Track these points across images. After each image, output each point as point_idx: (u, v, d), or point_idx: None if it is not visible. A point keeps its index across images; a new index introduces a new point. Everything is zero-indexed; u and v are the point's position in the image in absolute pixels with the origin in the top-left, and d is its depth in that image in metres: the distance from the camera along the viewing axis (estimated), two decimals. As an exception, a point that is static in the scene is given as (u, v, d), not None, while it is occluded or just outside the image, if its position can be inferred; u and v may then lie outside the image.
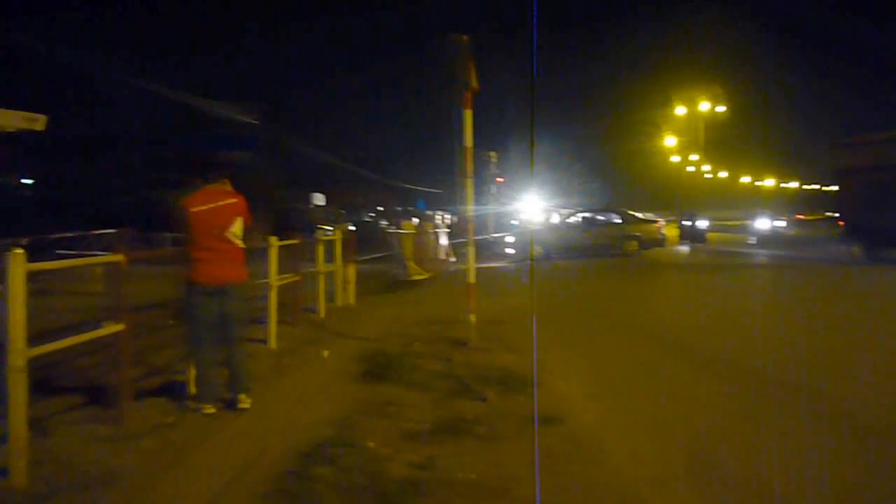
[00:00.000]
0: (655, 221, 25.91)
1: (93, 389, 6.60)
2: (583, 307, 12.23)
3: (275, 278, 8.13)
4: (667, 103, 44.50)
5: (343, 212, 43.59)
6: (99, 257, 4.81)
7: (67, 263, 4.43)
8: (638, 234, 23.58)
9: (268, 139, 43.03)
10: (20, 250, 3.85)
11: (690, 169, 50.67)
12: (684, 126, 44.53)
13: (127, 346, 5.09)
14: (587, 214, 25.51)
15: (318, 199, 44.89)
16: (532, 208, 43.71)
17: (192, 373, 5.85)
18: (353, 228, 38.39)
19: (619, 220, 24.42)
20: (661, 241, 24.24)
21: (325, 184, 48.18)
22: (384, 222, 49.44)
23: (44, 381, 4.02)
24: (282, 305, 8.50)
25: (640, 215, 26.93)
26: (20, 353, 3.83)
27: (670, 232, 29.17)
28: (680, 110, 42.29)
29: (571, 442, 5.02)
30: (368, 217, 54.42)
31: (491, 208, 41.73)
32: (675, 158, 50.11)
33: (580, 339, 9.04)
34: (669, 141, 48.89)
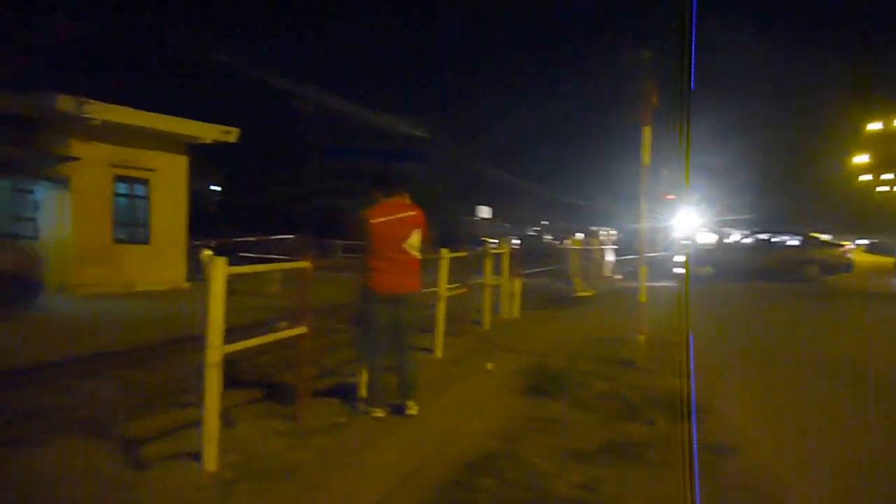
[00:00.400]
0: (841, 245, 24.00)
1: (270, 386, 7.04)
2: (758, 333, 11.55)
3: (444, 289, 8.30)
4: (859, 117, 41.17)
5: (508, 225, 43.83)
6: (288, 263, 5.11)
7: (261, 268, 4.75)
8: (820, 258, 21.99)
9: (437, 153, 44.22)
10: (209, 252, 4.17)
11: (883, 189, 46.59)
12: (879, 142, 40.98)
13: (307, 348, 5.36)
14: (763, 235, 24.12)
15: (484, 212, 45.42)
16: (701, 227, 42.03)
17: (364, 377, 6.07)
18: (517, 242, 38.65)
19: (799, 243, 22.90)
20: (847, 267, 22.40)
21: (490, 197, 48.74)
22: (548, 237, 49.24)
23: (226, 375, 4.32)
24: (449, 316, 8.65)
25: (822, 237, 25.10)
26: (217, 349, 4.14)
27: (859, 257, 26.87)
28: (874, 125, 38.98)
29: (746, 475, 4.77)
30: (533, 231, 54.39)
31: (660, 226, 40.81)
32: (866, 177, 46.23)
33: (755, 367, 8.54)
34: (859, 158, 45.15)
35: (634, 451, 5.10)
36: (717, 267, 22.59)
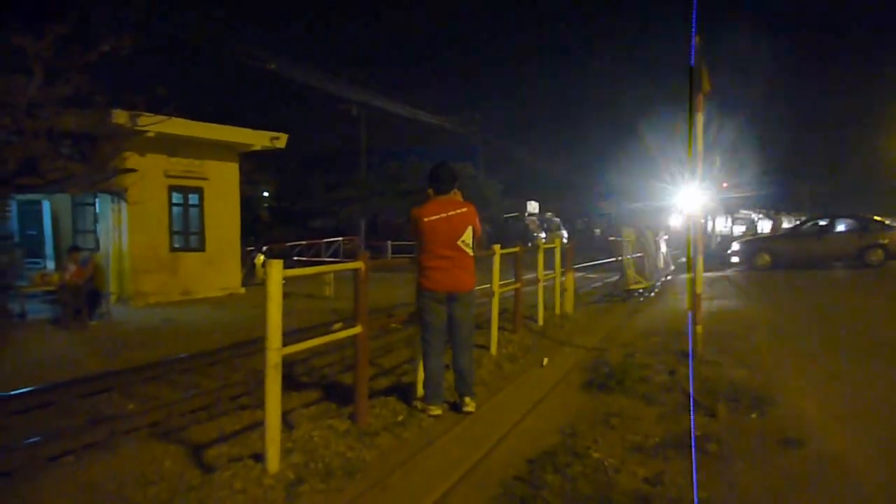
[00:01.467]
0: None
1: (328, 387, 7.13)
2: (819, 321, 11.22)
3: (497, 285, 8.29)
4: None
5: (557, 220, 43.50)
6: (343, 264, 5.16)
7: (315, 270, 4.80)
8: (884, 242, 21.28)
9: (487, 149, 44.15)
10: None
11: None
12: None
13: (365, 348, 5.40)
14: (822, 221, 23.46)
15: (533, 206, 45.17)
16: (757, 214, 41.01)
17: (421, 375, 6.10)
18: (566, 236, 38.27)
19: (861, 227, 22.21)
20: None
21: (539, 191, 48.46)
22: (598, 230, 48.73)
23: (285, 377, 4.38)
24: (503, 312, 8.63)
25: (888, 221, 24.26)
26: (277, 351, 4.20)
27: None
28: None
29: (814, 466, 4.63)
30: (582, 224, 53.92)
31: (714, 214, 40.08)
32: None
33: (820, 356, 8.30)
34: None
35: (697, 443, 5.01)
36: (773, 255, 22.05)
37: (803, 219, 28.04)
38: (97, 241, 14.77)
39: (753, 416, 5.70)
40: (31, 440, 5.62)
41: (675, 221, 32.03)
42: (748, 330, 9.72)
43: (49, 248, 15.89)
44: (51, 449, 5.45)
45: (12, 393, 7.12)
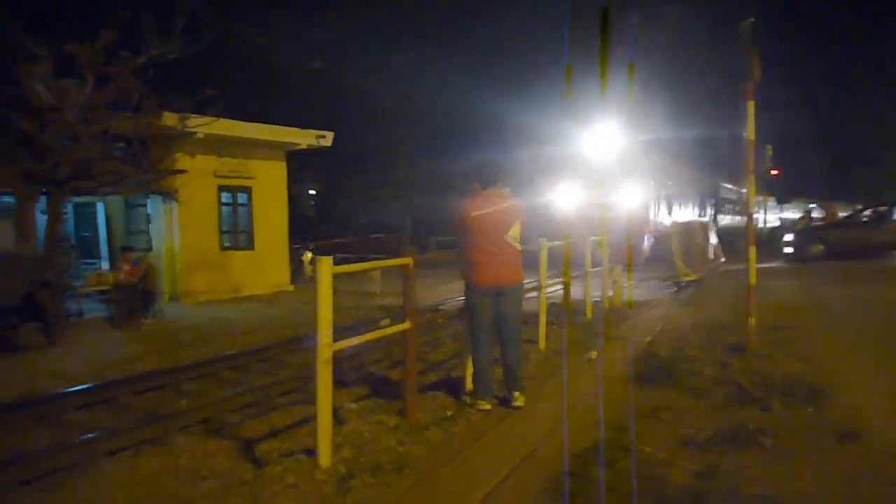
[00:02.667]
0: None
1: (378, 382, 7.17)
2: (876, 313, 10.87)
3: (545, 279, 8.24)
4: None
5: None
6: (391, 260, 5.18)
7: (364, 266, 4.84)
8: None
9: (529, 141, 43.74)
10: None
11: None
12: None
13: (414, 343, 5.42)
14: (881, 208, 22.75)
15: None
16: (807, 203, 39.93)
17: (469, 370, 6.09)
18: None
19: None
20: None
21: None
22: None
23: (335, 373, 4.42)
24: (550, 306, 8.58)
25: None
26: (327, 347, 4.24)
27: None
28: None
29: (872, 460, 4.51)
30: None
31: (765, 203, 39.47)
32: None
33: (878, 349, 8.04)
34: None
35: (750, 437, 4.92)
36: (828, 245, 21.47)
37: (859, 207, 27.17)
38: (149, 241, 15.09)
39: (809, 409, 5.57)
40: (89, 435, 5.76)
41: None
42: (802, 322, 9.50)
43: (103, 249, 16.28)
44: (108, 444, 5.59)
45: (71, 390, 7.32)
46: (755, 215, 8.32)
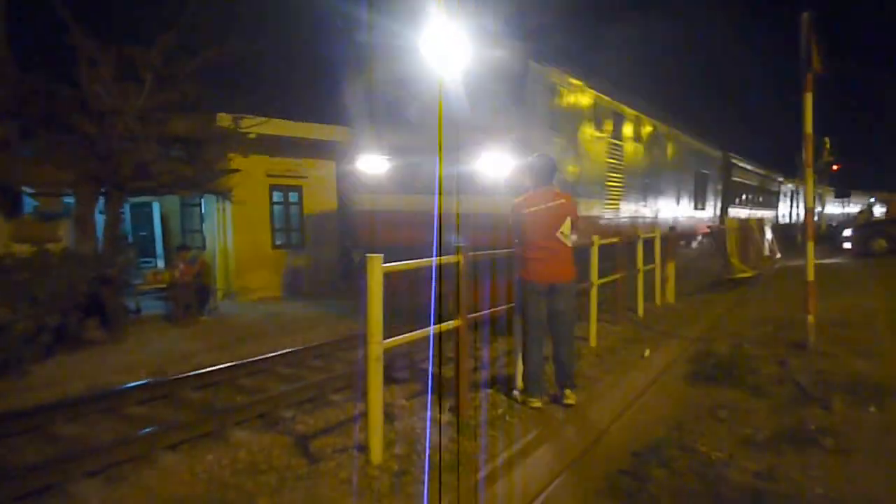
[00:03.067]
0: None
1: (428, 379, 7.18)
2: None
3: (596, 277, 8.16)
4: None
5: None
6: (441, 257, 5.19)
7: (415, 264, 4.85)
8: None
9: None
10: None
11: None
12: None
13: (465, 341, 5.42)
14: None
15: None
16: (868, 198, 38.67)
17: (520, 367, 6.07)
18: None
19: None
20: None
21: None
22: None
23: (386, 370, 4.45)
24: (603, 304, 8.49)
25: None
26: (378, 344, 4.27)
27: None
28: None
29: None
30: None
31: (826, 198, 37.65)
32: None
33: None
34: None
35: (811, 437, 4.82)
36: (891, 240, 20.80)
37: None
38: (204, 239, 15.37)
39: (872, 408, 5.42)
40: (149, 429, 5.90)
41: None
42: (864, 319, 9.24)
43: (159, 248, 16.65)
44: (168, 438, 5.72)
45: (130, 385, 7.50)
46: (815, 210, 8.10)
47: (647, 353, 7.70)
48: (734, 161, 25.48)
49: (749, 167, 28.24)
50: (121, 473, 5.09)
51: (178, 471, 4.96)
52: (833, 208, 49.36)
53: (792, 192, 38.14)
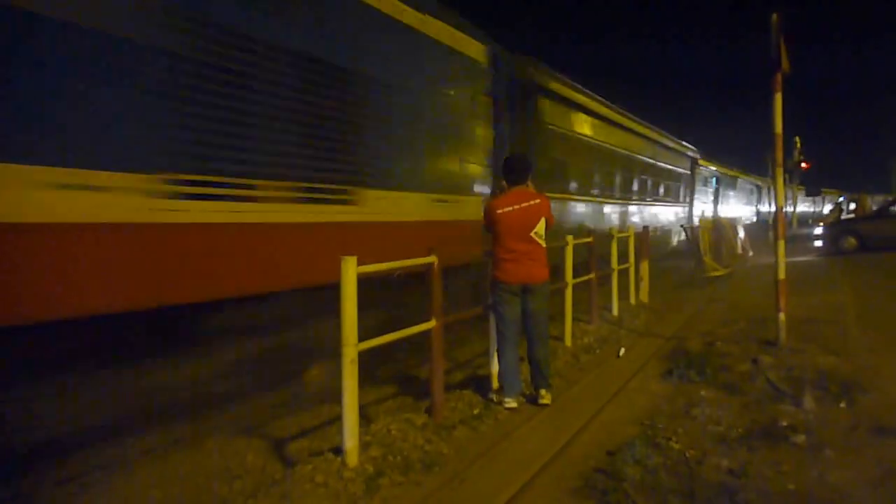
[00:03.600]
0: None
1: (404, 381, 7.17)
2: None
3: (570, 276, 8.19)
4: None
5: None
6: (415, 259, 5.18)
7: (388, 266, 4.83)
8: None
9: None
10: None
11: None
12: None
13: (440, 342, 5.41)
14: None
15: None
16: (838, 197, 39.20)
17: (496, 367, 6.08)
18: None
19: None
20: None
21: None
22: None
23: (361, 372, 4.43)
24: (577, 303, 8.53)
25: None
26: (353, 347, 4.25)
27: None
28: None
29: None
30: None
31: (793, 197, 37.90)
32: None
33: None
34: None
35: (783, 433, 4.87)
36: (861, 238, 21.11)
37: (890, 199, 26.64)
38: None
39: (843, 404, 5.49)
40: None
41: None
42: (834, 316, 9.36)
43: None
44: (142, 443, 5.64)
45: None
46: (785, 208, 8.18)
47: (622, 351, 7.75)
48: (702, 161, 25.57)
49: (720, 167, 27.95)
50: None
51: (152, 477, 4.89)
52: (805, 207, 50.03)
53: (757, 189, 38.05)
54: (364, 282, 4.36)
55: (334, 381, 4.44)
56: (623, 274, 10.87)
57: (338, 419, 4.55)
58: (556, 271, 7.22)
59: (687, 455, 4.50)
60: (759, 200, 43.04)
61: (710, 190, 28.93)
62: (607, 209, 15.79)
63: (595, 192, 14.99)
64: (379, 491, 4.11)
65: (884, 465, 4.28)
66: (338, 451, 4.50)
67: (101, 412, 5.12)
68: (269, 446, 5.35)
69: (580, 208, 13.92)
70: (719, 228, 15.99)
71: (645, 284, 11.81)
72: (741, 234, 19.34)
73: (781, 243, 7.61)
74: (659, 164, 20.80)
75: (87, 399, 4.98)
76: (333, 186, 6.35)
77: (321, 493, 4.09)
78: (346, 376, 4.28)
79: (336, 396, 4.43)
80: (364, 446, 4.63)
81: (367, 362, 4.65)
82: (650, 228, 13.29)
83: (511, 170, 5.83)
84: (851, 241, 21.07)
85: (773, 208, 7.93)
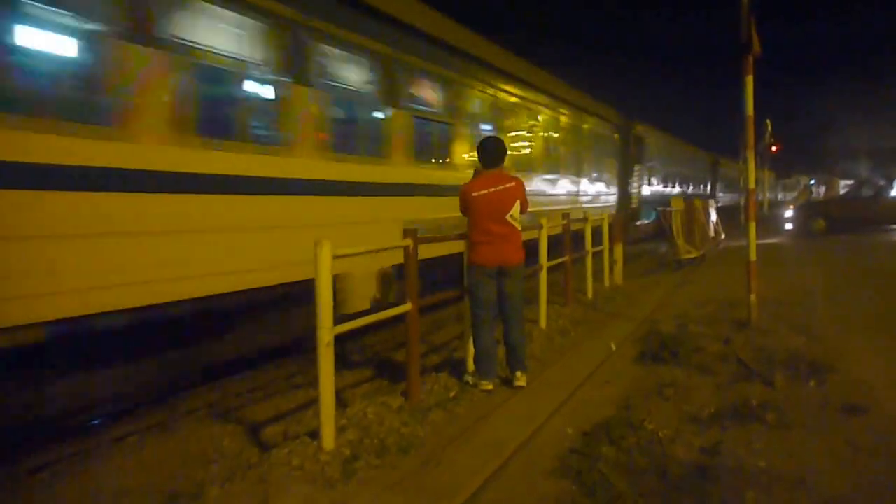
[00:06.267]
0: None
1: (380, 365, 7.18)
2: (877, 287, 10.81)
3: (545, 259, 8.22)
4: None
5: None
6: (393, 244, 5.18)
7: (362, 250, 4.83)
8: None
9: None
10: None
11: None
12: None
13: (415, 325, 5.42)
14: (882, 182, 22.65)
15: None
16: (808, 179, 39.67)
17: (471, 350, 6.10)
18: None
19: None
20: None
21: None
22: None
23: (337, 356, 4.42)
24: (551, 286, 8.57)
25: None
26: (328, 330, 4.24)
27: None
28: None
29: (875, 433, 4.54)
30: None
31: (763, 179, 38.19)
32: None
33: (878, 322, 8.04)
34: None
35: (753, 412, 4.95)
36: (829, 220, 21.42)
37: (858, 181, 27.03)
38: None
39: (812, 383, 5.59)
40: (95, 422, 5.76)
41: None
42: (804, 297, 9.51)
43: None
44: (115, 431, 5.60)
45: None
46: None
47: (613, 346, 7.66)
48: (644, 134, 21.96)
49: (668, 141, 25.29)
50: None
51: (128, 463, 4.88)
52: (774, 190, 50.52)
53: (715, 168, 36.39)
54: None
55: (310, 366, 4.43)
56: (597, 256, 10.94)
57: (314, 403, 4.55)
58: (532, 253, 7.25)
59: (660, 435, 4.56)
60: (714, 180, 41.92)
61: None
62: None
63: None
64: (355, 474, 4.11)
65: (852, 442, 4.37)
66: (314, 434, 4.50)
67: (69, 401, 5.10)
68: (246, 430, 5.34)
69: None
70: (691, 211, 16.08)
71: (619, 267, 11.89)
72: (713, 216, 19.49)
73: (752, 225, 7.70)
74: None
75: (56, 390, 4.95)
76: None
77: (298, 476, 4.08)
78: (322, 359, 4.27)
79: (312, 381, 4.42)
80: (340, 430, 4.62)
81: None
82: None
83: (486, 153, 5.81)
84: (820, 223, 21.38)
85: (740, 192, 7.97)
